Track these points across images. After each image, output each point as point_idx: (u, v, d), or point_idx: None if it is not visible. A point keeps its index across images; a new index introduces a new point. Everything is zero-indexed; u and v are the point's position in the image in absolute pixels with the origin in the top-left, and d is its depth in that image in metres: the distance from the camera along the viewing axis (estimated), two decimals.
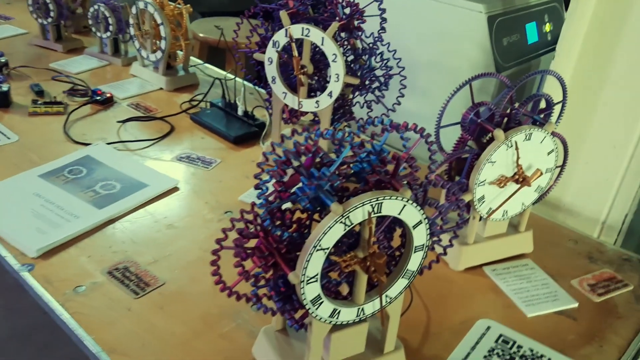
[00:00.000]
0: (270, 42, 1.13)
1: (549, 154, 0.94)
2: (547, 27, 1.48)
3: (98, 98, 1.42)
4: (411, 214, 0.65)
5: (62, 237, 0.96)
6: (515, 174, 0.92)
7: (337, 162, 0.63)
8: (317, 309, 0.65)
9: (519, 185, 0.92)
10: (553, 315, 0.90)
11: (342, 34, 1.13)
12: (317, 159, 0.65)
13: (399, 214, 0.64)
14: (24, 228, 0.97)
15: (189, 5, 1.52)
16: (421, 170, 0.68)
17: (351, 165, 0.64)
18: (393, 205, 0.63)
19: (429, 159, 0.70)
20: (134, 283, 0.89)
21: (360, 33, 1.11)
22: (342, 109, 1.18)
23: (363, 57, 1.13)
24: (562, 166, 1.01)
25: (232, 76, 1.51)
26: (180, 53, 1.57)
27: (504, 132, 0.89)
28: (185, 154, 1.26)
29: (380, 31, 1.12)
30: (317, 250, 0.61)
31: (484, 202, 0.92)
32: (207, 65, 1.72)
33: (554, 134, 0.93)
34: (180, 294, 0.88)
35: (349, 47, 1.14)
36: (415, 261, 0.69)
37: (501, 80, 0.93)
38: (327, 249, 0.61)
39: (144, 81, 1.58)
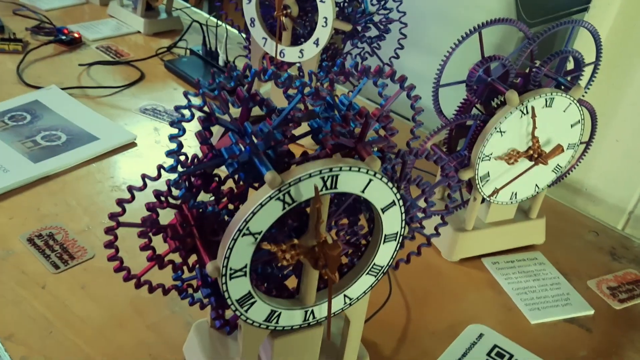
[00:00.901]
0: None
1: (573, 126, 0.76)
2: None
3: (63, 38, 1.25)
4: (380, 193, 0.48)
5: None
6: (529, 148, 0.74)
7: (282, 116, 0.46)
8: (246, 310, 0.49)
9: (532, 163, 0.74)
10: (562, 323, 0.74)
11: None
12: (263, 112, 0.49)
13: (363, 191, 0.47)
14: None
15: None
16: (402, 133, 0.51)
17: (303, 121, 0.48)
18: (354, 180, 0.46)
19: (413, 121, 0.53)
20: (56, 254, 0.74)
21: None
22: (331, 60, 1.01)
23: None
24: (588, 142, 0.83)
25: (215, 20, 1.33)
26: None
27: (520, 95, 0.71)
28: (151, 105, 1.09)
29: None
30: (244, 235, 0.44)
31: (488, 180, 0.75)
32: (193, 9, 1.54)
33: (581, 101, 0.75)
34: (108, 272, 0.71)
35: None
36: (385, 254, 0.53)
37: (520, 30, 0.75)
38: (259, 233, 0.45)
39: (120, 23, 1.41)
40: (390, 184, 0.48)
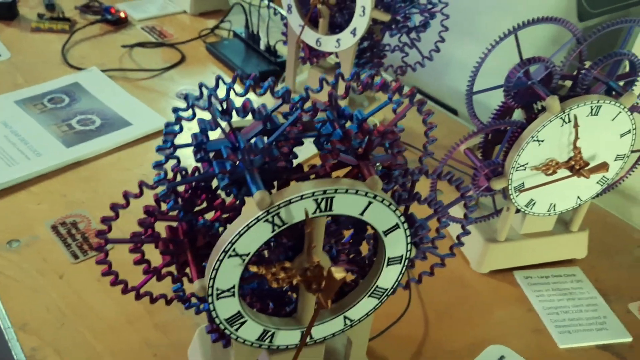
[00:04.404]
0: None
1: (622, 136, 0.69)
2: None
3: (109, 17, 1.26)
4: (381, 215, 0.45)
5: (14, 177, 0.82)
6: (570, 159, 0.68)
7: (277, 132, 0.43)
8: (237, 329, 0.47)
9: (570, 174, 0.68)
10: (594, 350, 0.68)
11: None
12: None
13: (361, 214, 0.44)
14: None
15: None
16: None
17: (300, 138, 0.44)
18: (351, 202, 0.43)
19: (425, 136, 0.49)
20: (77, 244, 0.74)
21: None
22: (370, 51, 0.96)
23: None
24: None
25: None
26: None
27: (563, 100, 0.65)
28: (187, 90, 1.08)
29: None
30: (230, 256, 0.42)
31: (522, 191, 0.70)
32: None
33: (634, 108, 0.68)
34: (126, 265, 0.72)
35: None
36: (389, 277, 0.49)
37: (568, 29, 0.68)
38: (246, 255, 0.42)
39: (167, 1, 1.40)
40: (392, 207, 0.44)
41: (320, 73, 0.99)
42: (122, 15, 1.27)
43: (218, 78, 0.44)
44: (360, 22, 0.88)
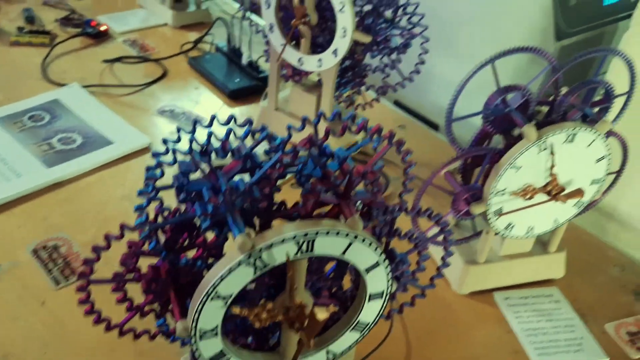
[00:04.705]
0: None
1: (597, 161, 0.70)
2: None
3: (89, 31, 1.25)
4: (362, 255, 0.45)
5: None
6: (547, 184, 0.69)
7: (258, 175, 0.44)
8: None
9: (547, 198, 0.70)
10: None
11: None
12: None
13: (343, 253, 0.45)
14: None
15: None
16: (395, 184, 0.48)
17: (281, 178, 0.45)
18: (333, 243, 0.43)
19: (404, 174, 0.50)
20: (58, 269, 0.74)
21: None
22: (351, 70, 0.97)
23: (379, 8, 0.90)
24: (619, 172, 0.78)
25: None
26: None
27: (540, 127, 0.66)
28: (170, 107, 1.08)
29: None
30: (213, 299, 0.42)
31: (501, 215, 0.71)
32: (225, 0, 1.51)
33: (610, 133, 0.70)
34: (109, 297, 0.72)
35: None
36: (370, 311, 0.50)
37: (544, 58, 0.70)
38: (229, 296, 0.43)
39: (149, 13, 1.40)
40: (373, 245, 0.45)
41: (302, 91, 1.00)
42: (103, 28, 1.27)
43: (195, 122, 0.44)
44: (341, 43, 0.88)
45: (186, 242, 0.48)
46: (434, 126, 1.25)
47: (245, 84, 1.14)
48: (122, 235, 0.45)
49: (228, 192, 0.43)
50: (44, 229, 0.80)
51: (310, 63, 0.94)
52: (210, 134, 0.44)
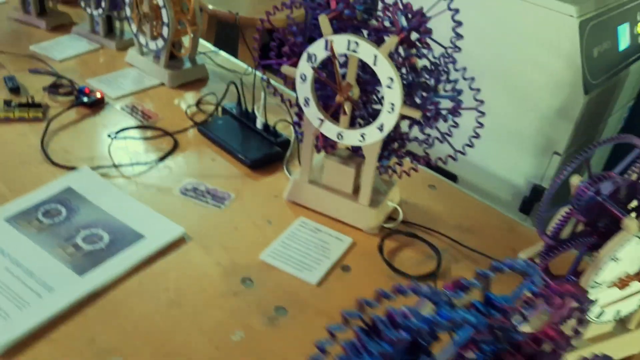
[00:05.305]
0: (305, 55, 0.87)
1: None
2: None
3: (85, 100, 1.16)
4: None
5: (30, 324, 0.72)
6: None
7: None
8: None
9: None
10: None
11: (400, 49, 0.86)
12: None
13: None
14: None
15: None
16: None
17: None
18: None
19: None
20: None
21: (427, 51, 0.84)
22: (393, 142, 0.93)
23: (427, 81, 0.86)
24: None
25: (249, 71, 1.24)
26: (186, 40, 1.30)
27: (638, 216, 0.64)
28: (191, 184, 1.01)
29: (453, 43, 0.84)
30: None
31: (595, 305, 0.69)
32: (220, 52, 1.44)
33: None
34: None
35: (405, 65, 0.87)
36: None
37: (635, 144, 0.68)
38: None
39: (141, 73, 1.31)
40: None
41: (338, 163, 0.95)
42: (99, 96, 1.17)
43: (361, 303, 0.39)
44: (388, 118, 0.85)
45: None
46: (452, 177, 1.23)
47: (265, 151, 1.08)
48: None
49: None
50: (94, 354, 0.71)
51: (351, 137, 0.89)
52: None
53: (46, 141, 1.06)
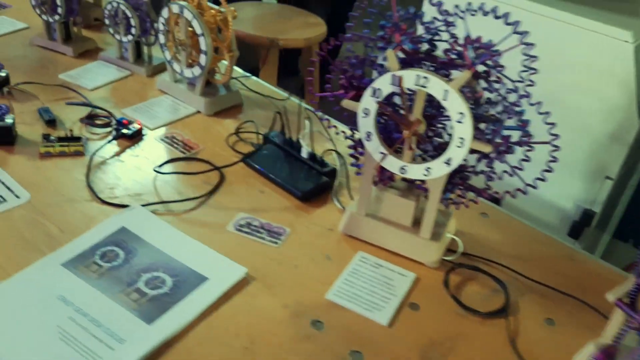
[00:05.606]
0: (369, 89, 0.85)
1: None
2: None
3: (125, 132, 1.13)
4: None
5: None
6: None
7: None
8: None
9: None
10: None
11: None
12: None
13: None
14: None
15: (233, 8, 1.21)
16: None
17: None
18: None
19: None
20: None
21: (499, 86, 0.83)
22: (457, 175, 0.91)
23: (496, 114, 0.85)
24: None
25: (296, 101, 1.22)
26: (222, 66, 1.28)
27: None
28: (245, 219, 0.98)
29: (527, 76, 0.83)
30: None
31: None
32: (253, 77, 1.42)
33: None
34: None
35: (472, 98, 0.86)
36: None
37: None
38: None
39: (175, 100, 1.29)
40: None
41: (397, 195, 0.93)
42: (139, 127, 1.15)
43: None
44: (457, 153, 0.83)
45: None
46: (495, 200, 1.22)
47: (314, 182, 1.06)
48: None
49: None
50: None
51: (416, 172, 0.88)
52: None
53: (91, 178, 1.03)
